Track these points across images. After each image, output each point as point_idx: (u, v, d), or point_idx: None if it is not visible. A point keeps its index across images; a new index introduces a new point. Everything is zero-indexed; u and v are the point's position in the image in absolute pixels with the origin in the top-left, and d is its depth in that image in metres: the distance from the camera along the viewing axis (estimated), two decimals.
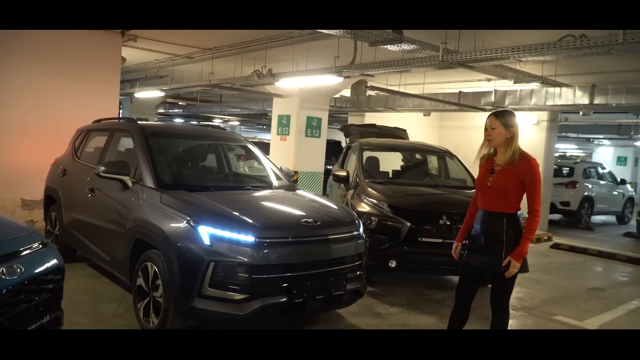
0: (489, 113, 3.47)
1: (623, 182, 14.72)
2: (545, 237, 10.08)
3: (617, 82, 8.02)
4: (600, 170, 14.31)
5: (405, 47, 5.48)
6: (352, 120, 13.08)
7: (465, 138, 12.70)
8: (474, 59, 5.02)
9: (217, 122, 24.11)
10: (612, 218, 14.93)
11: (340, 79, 6.91)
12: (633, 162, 22.84)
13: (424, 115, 11.49)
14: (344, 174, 6.61)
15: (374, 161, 7.10)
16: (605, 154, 23.12)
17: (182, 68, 10.64)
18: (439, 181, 6.96)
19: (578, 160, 15.37)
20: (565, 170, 13.45)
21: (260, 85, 9.51)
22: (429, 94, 10.42)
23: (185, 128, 6.49)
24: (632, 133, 14.12)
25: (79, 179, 5.26)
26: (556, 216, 13.35)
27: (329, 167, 11.50)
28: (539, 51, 4.31)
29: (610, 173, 14.76)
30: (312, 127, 10.56)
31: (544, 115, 11.21)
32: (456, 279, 6.44)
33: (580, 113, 8.40)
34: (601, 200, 13.65)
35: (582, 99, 8.04)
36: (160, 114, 22.10)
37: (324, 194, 9.61)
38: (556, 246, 9.45)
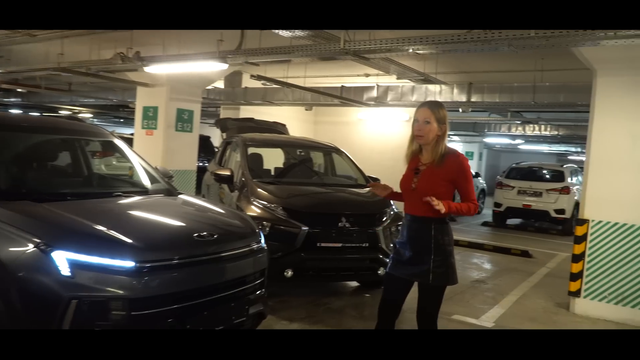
0: (422, 102, 3.03)
1: (477, 175, 16.07)
2: None
3: (490, 82, 8.46)
4: None
5: (299, 33, 4.96)
6: (226, 114, 12.23)
7: (340, 133, 12.63)
8: (377, 49, 4.67)
9: (63, 113, 21.25)
10: None
11: (225, 66, 6.13)
12: (478, 156, 25.37)
13: (306, 109, 11.12)
14: (228, 173, 5.90)
15: (258, 158, 6.49)
16: None
17: (21, 48, 8.81)
18: (328, 179, 6.60)
19: None
20: None
21: (122, 71, 8.23)
22: (311, 88, 10.05)
23: (29, 119, 5.17)
24: (485, 130, 15.45)
25: None
26: None
27: (199, 164, 10.60)
28: (448, 44, 4.08)
29: None
30: (183, 120, 9.54)
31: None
32: (353, 284, 6.24)
33: (460, 110, 8.73)
34: None
35: (460, 96, 8.33)
36: None
37: (198, 194, 8.74)
38: None
